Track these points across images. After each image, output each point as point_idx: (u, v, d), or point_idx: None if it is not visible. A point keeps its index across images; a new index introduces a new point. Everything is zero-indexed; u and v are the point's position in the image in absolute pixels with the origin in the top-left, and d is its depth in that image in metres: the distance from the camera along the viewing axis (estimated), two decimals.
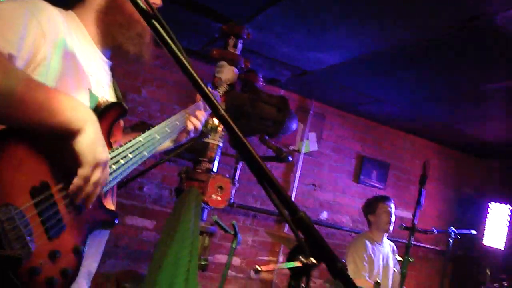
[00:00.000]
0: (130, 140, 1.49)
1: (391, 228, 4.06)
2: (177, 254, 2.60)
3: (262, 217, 4.40)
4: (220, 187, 2.78)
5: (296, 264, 0.93)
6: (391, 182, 5.08)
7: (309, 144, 4.56)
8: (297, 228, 0.99)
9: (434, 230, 4.23)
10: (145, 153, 1.54)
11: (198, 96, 2.08)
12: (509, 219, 5.01)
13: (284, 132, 3.36)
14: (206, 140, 3.01)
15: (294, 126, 3.40)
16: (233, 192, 4.07)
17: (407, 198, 5.24)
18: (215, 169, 3.06)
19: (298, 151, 4.53)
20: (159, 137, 1.62)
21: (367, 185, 4.85)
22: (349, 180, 4.85)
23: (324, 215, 4.71)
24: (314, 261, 0.95)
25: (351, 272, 3.90)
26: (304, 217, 0.96)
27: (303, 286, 0.97)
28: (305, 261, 0.93)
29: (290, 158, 3.38)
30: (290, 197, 1.00)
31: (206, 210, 2.99)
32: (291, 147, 4.50)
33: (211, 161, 3.02)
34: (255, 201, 4.37)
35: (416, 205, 2.79)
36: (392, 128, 5.08)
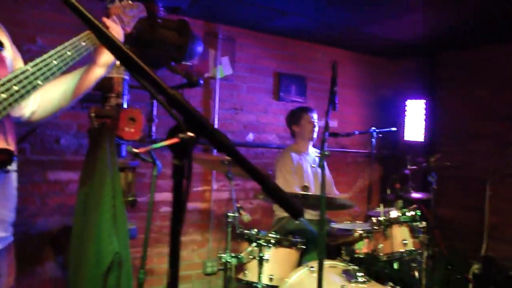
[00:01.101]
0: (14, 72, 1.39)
1: (315, 135, 4.18)
2: (100, 193, 2.55)
3: None
4: (132, 119, 2.71)
5: (174, 140, 0.92)
6: (311, 95, 5.17)
7: (223, 69, 4.52)
8: (172, 107, 0.97)
9: (355, 132, 4.40)
10: (38, 82, 1.43)
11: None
12: (424, 112, 5.27)
13: (190, 57, 3.30)
14: (109, 75, 2.90)
15: (199, 49, 3.34)
16: (154, 128, 4.03)
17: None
18: (125, 104, 2.97)
19: (214, 78, 4.48)
20: (56, 63, 1.50)
21: (288, 101, 4.91)
22: (269, 98, 4.89)
23: (250, 136, 4.76)
24: (191, 135, 0.95)
25: (281, 186, 4.02)
26: (176, 95, 0.95)
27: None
28: (183, 137, 0.92)
29: (201, 81, 3.35)
30: (162, 83, 0.98)
31: (123, 146, 2.93)
32: (205, 75, 4.44)
33: (120, 95, 2.92)
34: None
35: (329, 106, 2.84)
36: (304, 42, 5.11)
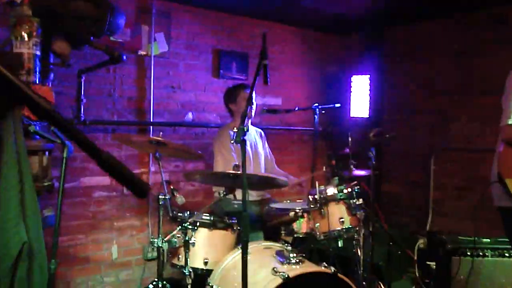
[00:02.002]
0: None
1: (253, 114, 4.05)
2: (5, 179, 2.34)
3: (123, 130, 4.18)
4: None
5: None
6: (253, 72, 4.99)
7: (158, 46, 4.30)
8: None
9: (296, 108, 4.28)
10: None
11: None
12: (369, 87, 5.21)
13: (112, 31, 3.08)
14: (17, 50, 2.66)
15: (121, 22, 3.12)
16: (82, 108, 3.80)
17: (273, 86, 5.24)
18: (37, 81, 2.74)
19: (148, 55, 4.26)
20: None
21: (228, 79, 4.74)
22: (208, 76, 4.70)
23: (190, 116, 4.58)
24: None
25: (221, 165, 3.88)
26: None
27: None
28: None
29: (124, 57, 3.13)
30: None
31: (38, 126, 2.71)
32: (139, 52, 4.22)
33: (30, 72, 2.69)
34: (111, 114, 4.11)
35: (255, 77, 2.70)
36: (244, 17, 4.93)
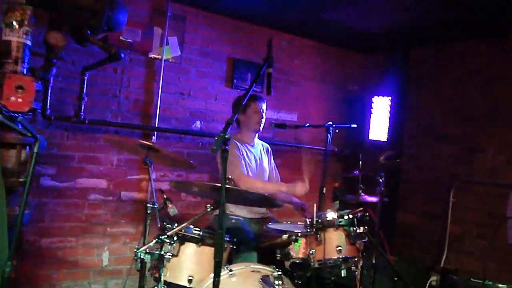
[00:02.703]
0: None
1: (261, 127, 3.83)
2: None
3: (125, 133, 4.02)
4: (20, 87, 2.35)
5: None
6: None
7: (170, 49, 4.16)
8: None
9: (307, 124, 4.04)
10: None
11: None
12: (389, 109, 4.94)
13: (111, 26, 2.94)
14: (5, 37, 2.54)
15: (122, 17, 2.98)
16: (83, 106, 3.67)
17: (288, 100, 5.04)
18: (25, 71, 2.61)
19: (159, 58, 4.12)
20: None
21: (242, 90, 4.55)
22: (221, 85, 4.53)
23: (197, 124, 4.40)
24: None
25: (234, 173, 3.65)
26: None
27: None
28: None
29: (122, 54, 2.98)
30: None
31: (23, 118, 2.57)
32: (150, 54, 4.08)
33: (17, 62, 2.56)
34: (115, 116, 3.97)
35: (252, 84, 2.51)
36: (264, 27, 4.75)
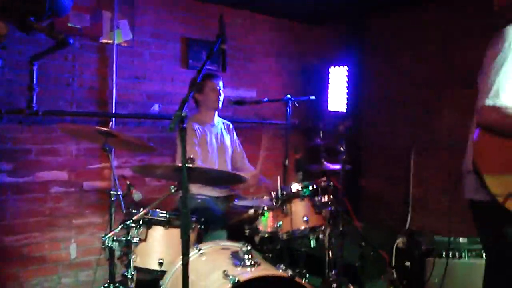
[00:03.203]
0: None
1: (220, 105, 3.81)
2: None
3: (82, 121, 3.93)
4: None
5: None
6: (226, 63, 4.77)
7: (121, 33, 4.06)
8: None
9: (266, 99, 4.03)
10: None
11: None
12: (347, 79, 4.98)
13: (55, 11, 2.82)
14: None
15: (67, 1, 2.87)
16: (35, 97, 3.56)
17: (247, 77, 5.01)
18: None
19: (110, 43, 4.02)
20: None
21: (198, 69, 4.48)
22: (176, 66, 4.46)
23: (156, 108, 4.34)
24: None
25: (179, 158, 3.63)
26: None
27: None
28: None
29: (71, 40, 2.87)
30: None
31: None
32: (100, 39, 3.97)
33: None
34: (70, 105, 3.87)
35: (205, 61, 2.47)
36: (217, 4, 4.68)
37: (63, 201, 3.87)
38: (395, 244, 4.35)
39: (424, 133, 4.72)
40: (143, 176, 4.15)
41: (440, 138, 4.63)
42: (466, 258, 3.34)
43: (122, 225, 2.58)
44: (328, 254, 3.33)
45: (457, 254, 3.32)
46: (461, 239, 3.44)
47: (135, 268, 2.89)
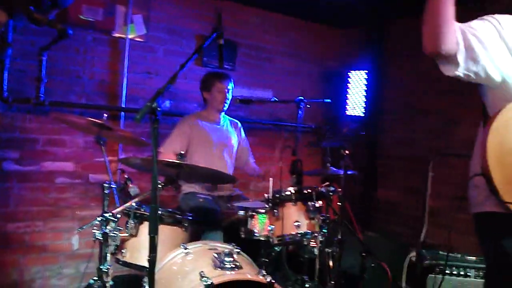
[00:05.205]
0: None
1: (225, 107, 3.75)
2: None
3: (91, 114, 3.93)
4: None
5: None
6: (241, 62, 4.73)
7: (134, 28, 4.07)
8: None
9: (273, 99, 3.95)
10: None
11: None
12: (366, 83, 4.83)
13: (57, 2, 2.85)
14: None
15: None
16: (43, 88, 3.59)
17: (263, 77, 4.93)
18: None
19: (123, 37, 4.03)
20: None
21: (213, 67, 4.45)
22: (191, 63, 4.41)
23: (167, 104, 4.33)
24: None
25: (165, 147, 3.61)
26: None
27: None
28: None
29: (70, 31, 2.89)
30: None
31: None
32: (113, 33, 3.99)
33: None
34: (79, 97, 3.89)
35: (194, 53, 2.42)
36: (234, 3, 4.63)
37: (68, 192, 3.89)
38: (408, 257, 4.18)
39: (445, 144, 4.52)
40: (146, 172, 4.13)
41: (461, 149, 4.41)
42: (473, 277, 3.15)
43: (100, 217, 2.55)
44: (324, 262, 3.23)
45: (462, 272, 3.13)
46: (470, 257, 3.26)
47: (125, 263, 2.88)
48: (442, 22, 1.64)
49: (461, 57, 1.69)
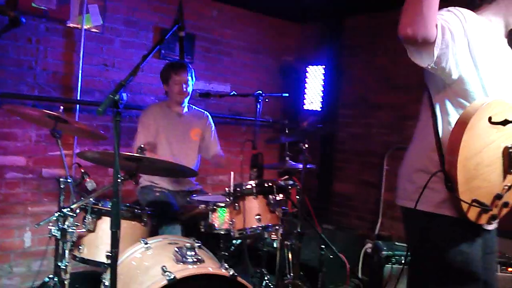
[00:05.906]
0: None
1: (183, 99, 3.68)
2: None
3: (45, 106, 3.80)
4: None
5: None
6: (200, 55, 4.69)
7: (90, 18, 3.95)
8: None
9: (232, 92, 3.92)
10: None
11: None
12: (323, 77, 4.89)
13: None
14: None
15: None
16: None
17: (221, 71, 4.91)
18: None
19: (78, 27, 3.91)
20: None
21: (171, 60, 4.37)
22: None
23: (124, 97, 4.22)
24: None
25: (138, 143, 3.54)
26: None
27: None
28: None
29: (23, 19, 2.77)
30: None
31: None
32: (68, 23, 3.86)
33: None
34: (32, 89, 3.75)
35: (155, 46, 2.38)
36: None
37: (19, 188, 3.75)
38: (363, 249, 4.29)
39: (399, 138, 4.63)
40: (104, 166, 4.03)
41: None
42: None
43: (58, 214, 2.47)
44: (284, 255, 3.26)
45: None
46: None
47: (83, 260, 2.81)
48: (429, 5, 1.63)
49: (437, 47, 1.69)
